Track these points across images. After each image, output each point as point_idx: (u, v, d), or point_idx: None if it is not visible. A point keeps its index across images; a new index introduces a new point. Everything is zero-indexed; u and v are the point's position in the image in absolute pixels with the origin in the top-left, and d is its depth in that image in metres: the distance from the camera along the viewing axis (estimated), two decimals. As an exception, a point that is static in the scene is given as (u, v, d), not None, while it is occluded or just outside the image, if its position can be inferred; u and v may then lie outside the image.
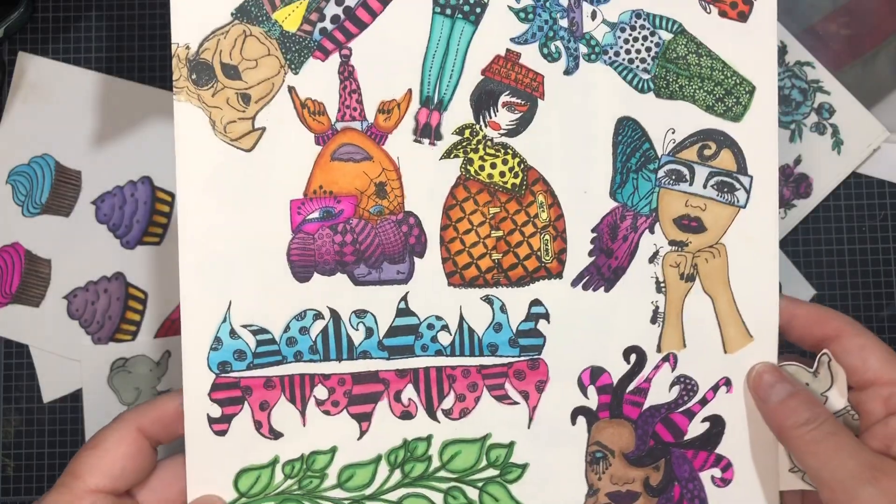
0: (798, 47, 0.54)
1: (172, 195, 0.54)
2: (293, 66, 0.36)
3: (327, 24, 0.35)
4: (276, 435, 0.38)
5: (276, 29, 0.36)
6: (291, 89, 0.36)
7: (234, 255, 0.37)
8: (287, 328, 0.37)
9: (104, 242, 0.54)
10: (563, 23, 0.37)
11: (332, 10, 0.35)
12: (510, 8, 0.36)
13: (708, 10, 0.37)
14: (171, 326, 0.54)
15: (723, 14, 0.38)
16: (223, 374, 0.37)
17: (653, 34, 0.37)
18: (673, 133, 0.38)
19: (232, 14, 0.36)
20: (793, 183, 0.54)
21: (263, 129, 0.36)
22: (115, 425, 0.37)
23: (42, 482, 0.54)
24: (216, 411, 0.37)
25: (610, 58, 0.37)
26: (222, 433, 0.38)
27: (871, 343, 0.35)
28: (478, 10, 0.36)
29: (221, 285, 0.37)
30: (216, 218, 0.37)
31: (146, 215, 0.54)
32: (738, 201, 0.38)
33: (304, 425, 0.38)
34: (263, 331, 0.37)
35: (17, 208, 0.54)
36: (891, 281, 0.54)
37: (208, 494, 0.37)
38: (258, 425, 0.38)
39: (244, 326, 0.37)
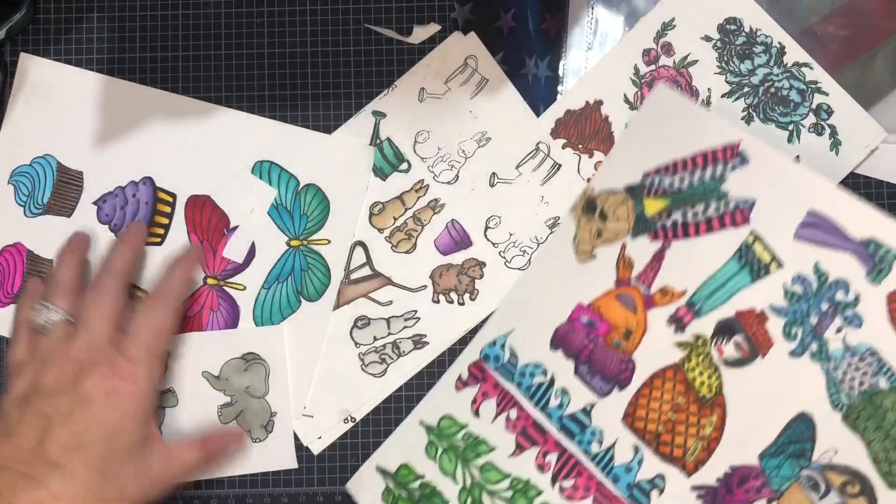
0: (796, 48, 0.54)
1: (174, 195, 0.55)
2: (633, 234, 0.50)
3: (668, 223, 0.50)
4: (477, 414, 0.51)
5: (639, 206, 0.51)
6: (624, 245, 0.50)
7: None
8: (527, 365, 0.51)
9: (106, 243, 0.54)
10: (813, 319, 0.45)
11: (676, 218, 0.50)
12: (783, 285, 0.46)
13: None
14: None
15: None
16: (481, 361, 0.52)
17: (874, 375, 0.44)
18: (835, 454, 0.43)
19: (625, 188, 0.51)
20: (791, 184, 0.54)
21: (595, 255, 0.51)
22: None
23: (46, 481, 0.54)
24: (465, 375, 0.52)
25: (828, 367, 0.45)
26: (459, 390, 0.52)
27: None
28: (761, 272, 0.47)
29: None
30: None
31: (148, 216, 0.55)
32: None
33: (491, 422, 0.51)
34: (515, 356, 0.51)
35: (20, 209, 0.55)
36: (888, 281, 0.54)
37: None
38: (474, 400, 0.51)
39: (510, 348, 0.52)
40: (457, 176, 0.55)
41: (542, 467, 0.50)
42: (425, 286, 0.54)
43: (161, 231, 0.55)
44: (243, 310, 0.54)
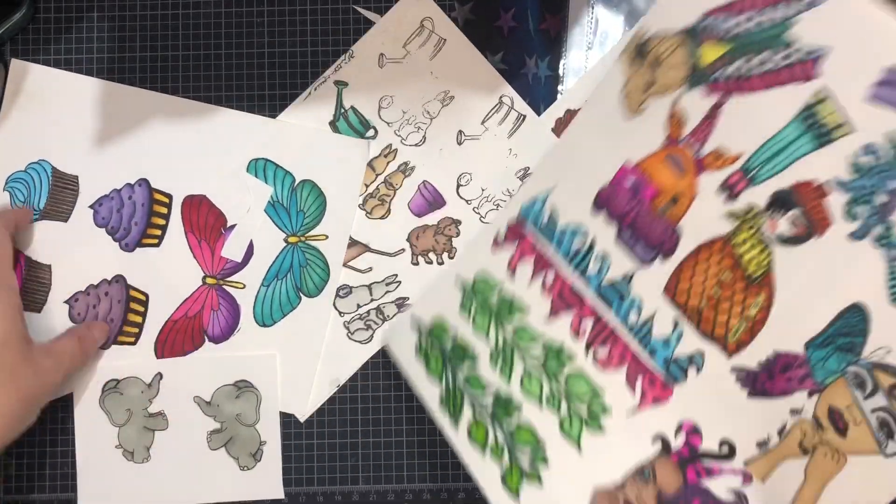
0: (797, 48, 0.54)
1: (170, 196, 0.55)
2: (688, 85, 0.45)
3: (728, 74, 0.43)
4: (513, 275, 0.50)
5: (696, 52, 0.45)
6: (677, 98, 0.45)
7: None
8: (568, 226, 0.49)
9: (103, 246, 0.54)
10: (881, 199, 0.38)
11: (736, 68, 0.43)
12: (851, 155, 0.39)
13: None
14: (173, 327, 0.54)
15: None
16: (520, 220, 0.50)
17: None
18: (887, 353, 0.38)
19: (681, 30, 0.45)
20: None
21: (644, 110, 0.46)
22: None
23: (43, 481, 0.54)
24: (502, 235, 0.51)
25: (892, 254, 0.38)
26: (495, 250, 0.51)
27: None
28: (830, 135, 0.40)
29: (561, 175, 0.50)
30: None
31: (144, 217, 0.54)
32: (885, 448, 0.38)
33: (527, 284, 0.49)
34: (555, 216, 0.49)
35: None
36: (889, 281, 0.54)
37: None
38: (510, 261, 0.50)
39: (551, 208, 0.49)
40: (424, 137, 0.55)
41: (577, 333, 0.47)
42: (403, 249, 0.55)
43: (158, 232, 0.54)
44: (244, 308, 0.54)
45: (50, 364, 0.49)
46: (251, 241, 0.54)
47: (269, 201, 0.54)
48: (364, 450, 0.54)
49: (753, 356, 0.42)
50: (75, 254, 0.54)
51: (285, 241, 0.54)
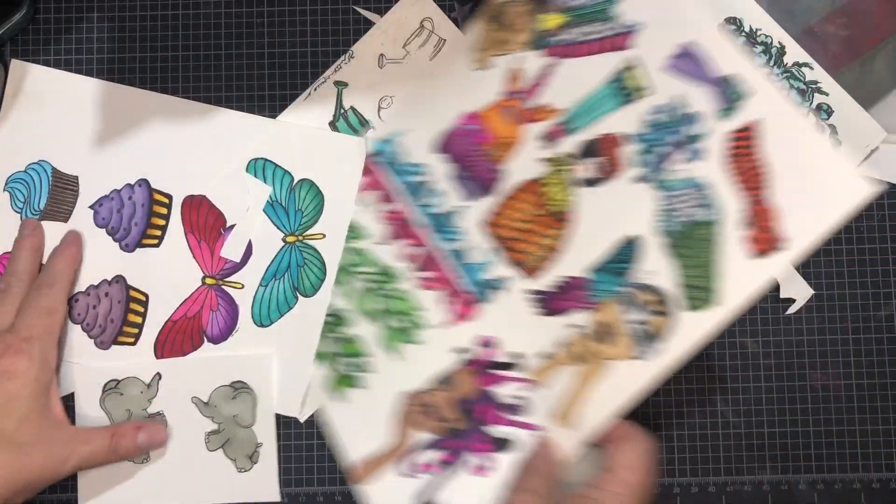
0: (796, 48, 0.54)
1: (170, 196, 0.55)
2: (529, 47, 0.51)
3: (562, 40, 0.49)
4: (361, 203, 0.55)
5: (541, 18, 0.50)
6: (518, 57, 0.51)
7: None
8: (411, 164, 0.54)
9: (103, 246, 0.54)
10: (662, 149, 0.46)
11: (570, 35, 0.49)
12: (645, 113, 0.46)
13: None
14: (172, 327, 0.54)
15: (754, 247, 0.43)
16: (372, 155, 0.55)
17: (698, 207, 0.44)
18: (651, 276, 0.45)
19: None
20: (791, 183, 0.54)
21: (490, 65, 0.52)
22: None
23: (44, 481, 0.54)
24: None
25: (664, 195, 0.45)
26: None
27: (641, 463, 0.43)
28: (629, 98, 0.47)
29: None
30: None
31: (144, 218, 0.54)
32: (640, 353, 0.45)
33: (373, 211, 0.55)
34: (403, 154, 0.54)
35: (16, 215, 0.55)
36: (888, 281, 0.54)
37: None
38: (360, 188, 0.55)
39: (400, 146, 0.54)
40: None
41: (407, 258, 0.53)
42: None
43: (158, 233, 0.54)
44: (242, 308, 0.54)
45: (63, 447, 0.48)
46: (250, 240, 0.54)
47: (267, 201, 0.54)
48: (364, 450, 0.54)
49: (547, 280, 0.48)
50: None
51: (283, 240, 0.54)
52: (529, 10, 0.50)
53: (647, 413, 0.54)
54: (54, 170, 0.55)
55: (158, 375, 0.53)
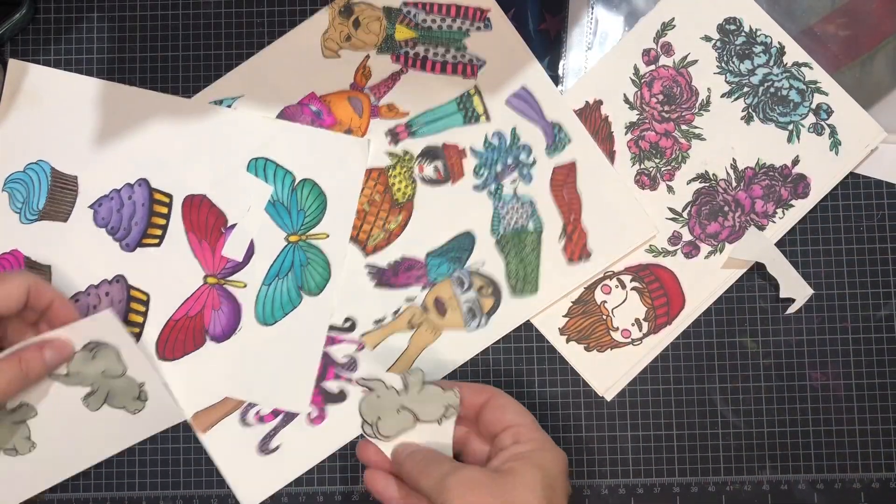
0: (796, 48, 0.54)
1: (170, 196, 0.55)
2: (378, 50, 0.56)
3: (412, 52, 0.56)
4: None
5: (392, 28, 0.56)
6: (368, 56, 0.56)
7: None
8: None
9: (103, 246, 0.54)
10: (498, 167, 0.55)
11: (419, 51, 0.56)
12: (485, 135, 0.56)
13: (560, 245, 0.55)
14: (174, 326, 0.54)
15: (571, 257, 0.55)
16: None
17: (526, 219, 0.55)
18: (482, 265, 0.55)
19: (383, 8, 0.56)
20: (790, 183, 0.54)
21: (340, 56, 0.56)
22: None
23: (44, 481, 0.54)
24: None
25: (497, 204, 0.55)
26: None
27: (509, 402, 0.46)
28: (472, 119, 0.56)
29: None
30: None
31: (144, 217, 0.54)
32: (469, 325, 0.55)
33: None
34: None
35: (15, 216, 0.55)
36: (888, 281, 0.54)
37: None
38: None
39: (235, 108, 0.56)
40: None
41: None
42: None
43: (159, 232, 0.54)
44: (245, 307, 0.54)
45: None
46: (252, 240, 0.54)
47: (269, 200, 0.54)
48: (364, 449, 0.54)
49: (385, 258, 0.55)
50: (75, 254, 0.54)
51: (286, 239, 0.54)
52: (381, 17, 0.56)
53: (647, 413, 0.54)
54: (53, 170, 0.55)
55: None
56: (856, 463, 0.54)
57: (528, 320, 0.54)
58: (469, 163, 0.55)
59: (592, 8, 0.56)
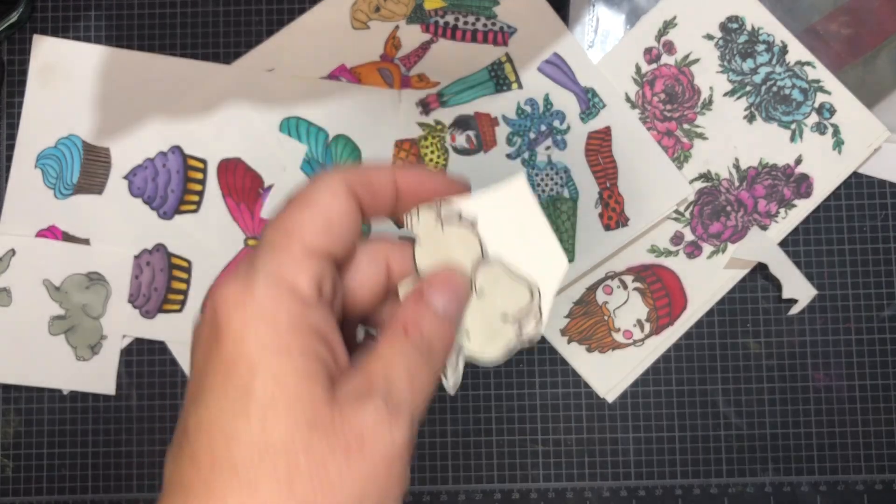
0: (799, 47, 0.54)
1: (204, 161, 0.54)
2: (408, 20, 0.56)
3: (441, 21, 0.56)
4: None
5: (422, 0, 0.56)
6: (398, 27, 0.56)
7: None
8: None
9: (141, 215, 0.54)
10: (531, 135, 0.55)
11: (449, 20, 0.56)
12: (517, 103, 0.55)
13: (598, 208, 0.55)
14: None
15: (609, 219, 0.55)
16: None
17: (561, 186, 0.54)
18: None
19: None
20: (793, 183, 0.54)
21: (369, 27, 0.56)
22: (324, 181, 0.30)
23: (41, 482, 0.54)
24: None
25: (531, 171, 0.55)
26: None
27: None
28: (503, 87, 0.55)
29: None
30: None
31: (180, 184, 0.54)
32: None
33: None
34: None
35: (50, 191, 0.54)
36: (891, 281, 0.54)
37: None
38: None
39: None
40: None
41: None
42: None
43: (196, 198, 0.54)
44: None
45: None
46: None
47: (304, 159, 0.54)
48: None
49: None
50: (113, 226, 0.54)
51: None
52: None
53: (648, 414, 0.54)
54: (84, 143, 0.54)
55: (12, 252, 0.53)
56: (859, 464, 0.53)
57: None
58: (501, 131, 0.55)
59: (594, 6, 0.55)
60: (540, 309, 0.32)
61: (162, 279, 0.54)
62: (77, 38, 0.55)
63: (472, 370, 0.54)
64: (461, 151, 0.55)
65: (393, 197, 0.32)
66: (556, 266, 0.32)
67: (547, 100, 0.55)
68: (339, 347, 0.29)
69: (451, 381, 0.32)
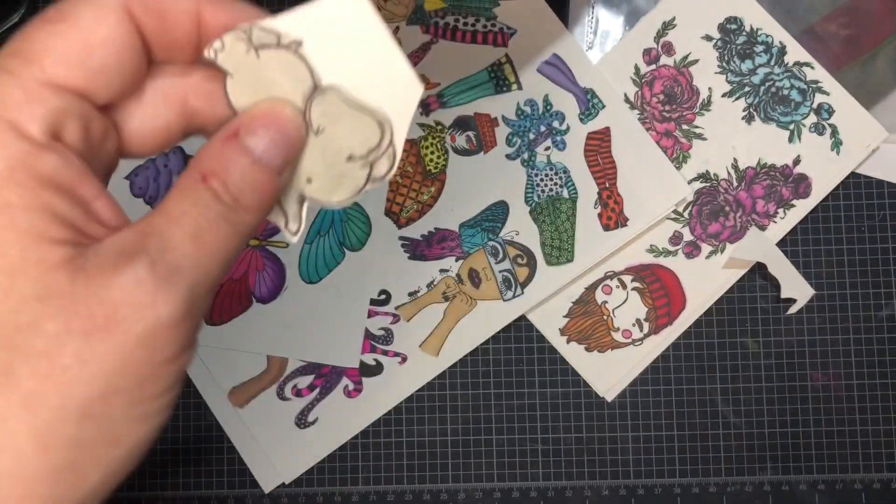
0: (797, 48, 0.54)
1: None
2: (408, 21, 0.56)
3: (441, 23, 0.56)
4: None
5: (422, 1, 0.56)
6: (398, 28, 0.56)
7: None
8: None
9: (142, 216, 0.54)
10: (531, 135, 0.55)
11: (449, 21, 0.56)
12: (517, 103, 0.55)
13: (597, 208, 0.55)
14: (220, 291, 0.54)
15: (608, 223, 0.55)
16: None
17: (560, 186, 0.55)
18: (516, 234, 0.55)
19: None
20: (792, 183, 0.54)
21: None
22: None
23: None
24: None
25: (531, 172, 0.55)
26: None
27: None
28: (503, 88, 0.55)
29: None
30: None
31: None
32: (504, 295, 0.54)
33: None
34: None
35: None
36: (889, 281, 0.54)
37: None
38: None
39: None
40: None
41: None
42: None
43: None
44: (289, 267, 0.54)
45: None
46: None
47: None
48: (364, 450, 0.54)
49: (418, 230, 0.55)
50: None
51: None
52: None
53: (647, 413, 0.54)
54: None
55: None
56: (857, 464, 0.53)
57: (529, 322, 0.54)
58: (501, 131, 0.55)
59: (593, 7, 0.56)
60: (393, 145, 0.27)
61: None
62: (79, 39, 0.56)
63: (469, 368, 0.54)
64: (461, 152, 0.55)
65: (194, 33, 0.25)
66: (409, 93, 0.26)
67: (546, 100, 0.55)
68: (98, 203, 0.24)
69: (293, 228, 0.27)
